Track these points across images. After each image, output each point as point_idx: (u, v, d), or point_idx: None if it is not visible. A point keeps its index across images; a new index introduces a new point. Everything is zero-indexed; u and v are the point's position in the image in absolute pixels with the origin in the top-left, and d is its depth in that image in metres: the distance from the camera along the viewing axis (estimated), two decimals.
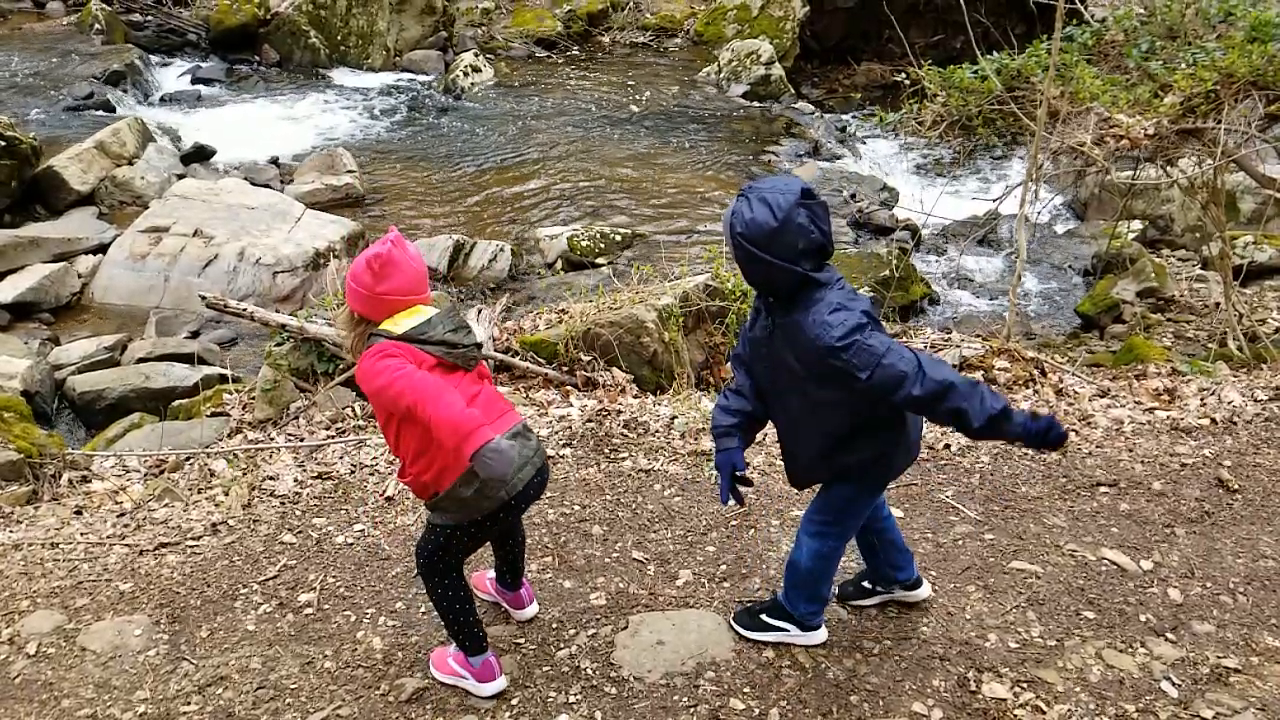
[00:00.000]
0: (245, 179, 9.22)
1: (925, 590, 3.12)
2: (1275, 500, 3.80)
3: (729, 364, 2.82)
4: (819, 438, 2.59)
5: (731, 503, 2.71)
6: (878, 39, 14.96)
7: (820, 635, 2.95)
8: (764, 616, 2.96)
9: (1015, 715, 2.71)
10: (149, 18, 14.24)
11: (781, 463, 4.11)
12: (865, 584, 3.11)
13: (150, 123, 10.26)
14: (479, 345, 2.61)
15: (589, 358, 5.08)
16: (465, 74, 13.16)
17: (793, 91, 13.57)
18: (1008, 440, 2.42)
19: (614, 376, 5.01)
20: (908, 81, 6.22)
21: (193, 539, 3.63)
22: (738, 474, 2.66)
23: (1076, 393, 4.85)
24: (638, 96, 13.02)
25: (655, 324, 5.13)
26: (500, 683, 2.78)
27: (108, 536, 3.69)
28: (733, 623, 3.02)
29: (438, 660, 2.86)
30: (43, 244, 7.65)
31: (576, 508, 3.77)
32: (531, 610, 3.13)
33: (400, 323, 2.49)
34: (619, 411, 4.54)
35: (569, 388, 4.95)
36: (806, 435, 2.62)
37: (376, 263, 2.49)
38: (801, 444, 2.65)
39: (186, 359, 6.20)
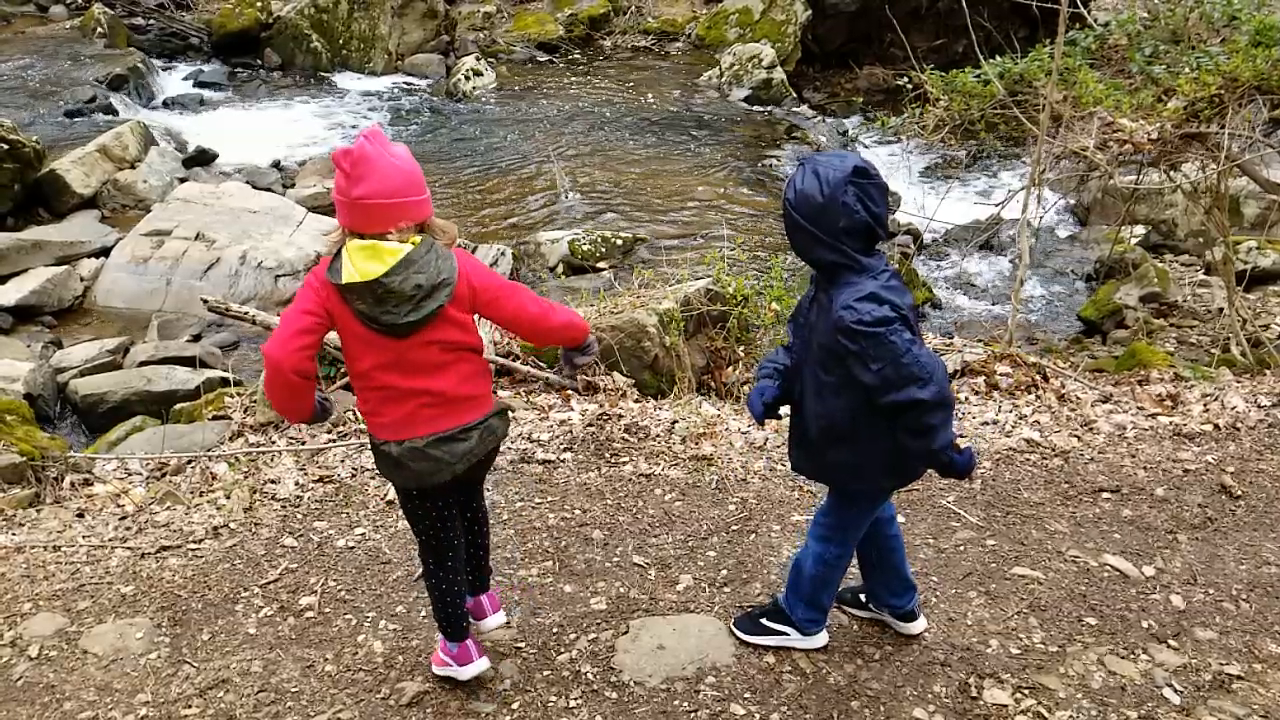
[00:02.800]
0: (247, 182, 9.23)
1: (920, 625, 3.02)
2: (1278, 506, 3.80)
3: (786, 325, 2.80)
4: (816, 421, 2.58)
5: (761, 418, 2.71)
6: (880, 43, 14.96)
7: (820, 640, 2.94)
8: (764, 621, 2.95)
9: None
10: (151, 21, 14.27)
11: (783, 467, 4.12)
12: (861, 596, 3.09)
13: (152, 126, 10.27)
14: (422, 319, 2.28)
15: None
16: (467, 78, 13.18)
17: (794, 95, 13.58)
18: (937, 466, 2.46)
19: (615, 381, 5.01)
20: (910, 85, 6.22)
21: (194, 542, 3.63)
22: (765, 399, 2.65)
23: (1079, 398, 4.85)
24: (639, 100, 13.03)
25: (656, 328, 5.13)
26: (478, 664, 2.73)
27: (109, 539, 3.69)
28: (733, 628, 3.01)
29: (435, 655, 2.85)
30: (45, 247, 7.66)
31: (577, 512, 3.77)
32: (494, 621, 2.92)
33: (358, 267, 2.23)
34: (620, 416, 4.53)
35: (569, 392, 4.94)
36: (809, 415, 2.61)
37: (347, 160, 2.19)
38: (806, 422, 2.64)
39: (188, 362, 6.20)
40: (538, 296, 2.57)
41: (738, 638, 2.98)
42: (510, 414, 2.74)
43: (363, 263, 2.24)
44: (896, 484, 2.73)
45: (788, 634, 2.92)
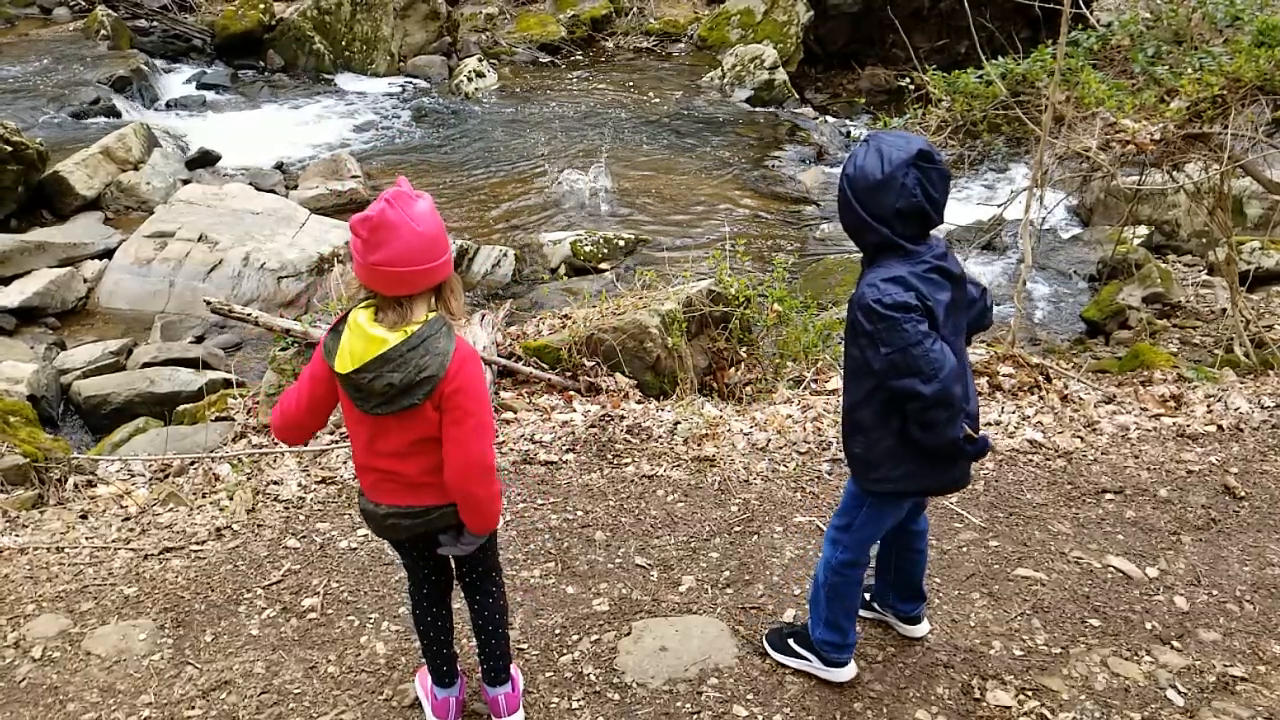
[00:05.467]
0: (250, 184, 9.25)
1: (923, 628, 3.02)
2: None
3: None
4: (846, 401, 2.57)
5: None
6: (882, 44, 14.96)
7: (847, 673, 2.82)
8: (791, 642, 2.90)
9: None
10: (154, 23, 14.30)
11: (785, 468, 4.12)
12: (865, 594, 3.07)
13: (156, 128, 10.30)
14: (393, 411, 2.21)
15: (592, 363, 5.08)
16: (469, 79, 13.19)
17: (796, 96, 13.57)
18: (951, 455, 2.45)
19: (617, 382, 5.01)
20: (912, 86, 6.22)
21: (197, 543, 3.63)
22: None
23: (1082, 399, 4.84)
24: (641, 101, 13.03)
25: (658, 329, 5.13)
26: None
27: (112, 541, 3.69)
28: (763, 642, 2.97)
29: (420, 671, 2.83)
30: (49, 249, 7.68)
31: (579, 513, 3.77)
32: None
33: (348, 348, 2.19)
34: (622, 417, 4.53)
35: (572, 393, 4.94)
36: (843, 398, 2.60)
37: (365, 227, 2.11)
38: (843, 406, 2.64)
39: (191, 364, 6.22)
40: (478, 453, 2.25)
41: (767, 654, 2.93)
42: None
43: (354, 342, 2.19)
44: (910, 491, 2.60)
45: (810, 661, 2.85)
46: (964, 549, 3.52)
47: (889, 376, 2.34)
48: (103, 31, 13.24)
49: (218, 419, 5.11)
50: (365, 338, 2.18)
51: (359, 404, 2.24)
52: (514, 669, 2.78)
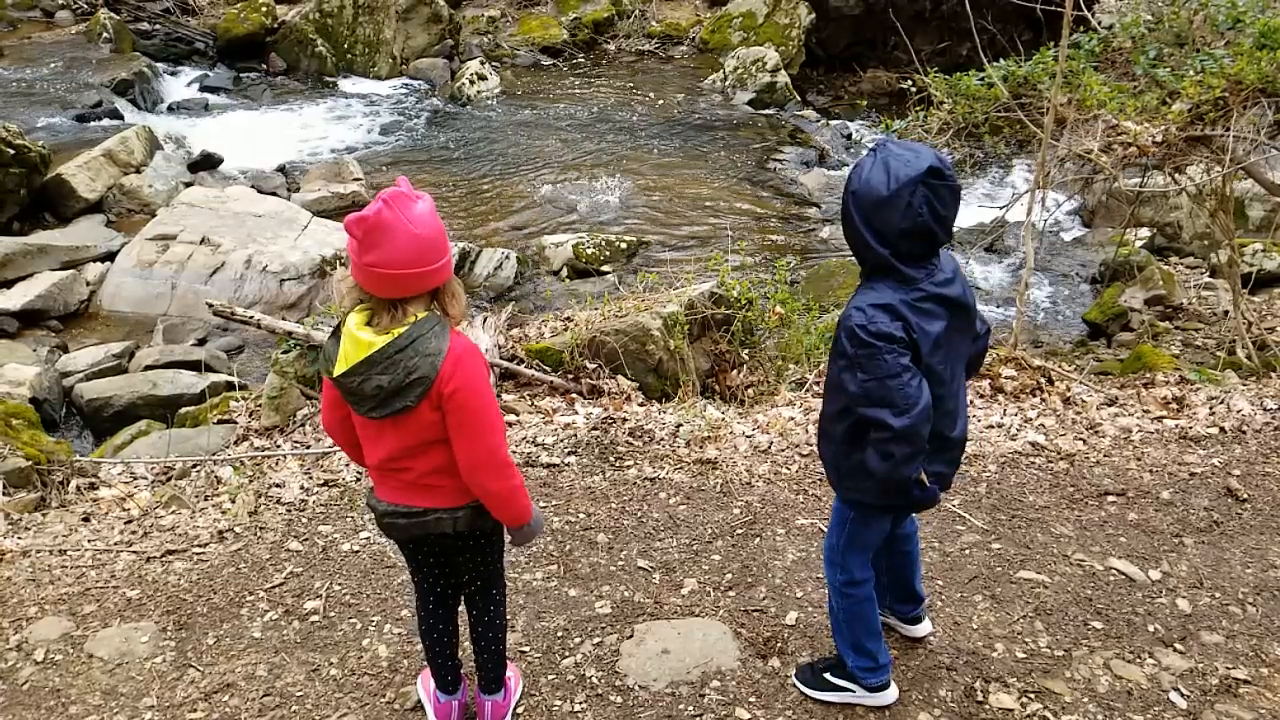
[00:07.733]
0: (252, 187, 9.26)
1: (925, 628, 2.98)
2: None
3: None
4: (822, 409, 2.51)
5: None
6: (883, 46, 14.96)
7: (889, 696, 2.73)
8: (828, 675, 2.77)
9: None
10: (157, 26, 14.32)
11: (787, 471, 4.12)
12: None
13: (158, 131, 10.31)
14: (387, 414, 2.18)
15: (594, 365, 5.08)
16: (471, 82, 13.20)
17: (798, 99, 13.58)
18: (897, 493, 2.38)
19: (619, 384, 5.01)
20: (914, 89, 6.22)
21: (199, 546, 3.63)
22: None
23: (1084, 401, 4.84)
24: (643, 104, 13.04)
25: (660, 332, 5.13)
26: None
27: (115, 543, 3.70)
28: (795, 680, 2.84)
29: (423, 673, 2.83)
30: (51, 252, 7.69)
31: (581, 516, 3.77)
32: None
33: (343, 350, 2.18)
34: (624, 419, 4.53)
35: (574, 395, 4.95)
36: (822, 402, 2.54)
37: (360, 228, 2.05)
38: None
39: (194, 366, 6.22)
40: (488, 449, 2.22)
41: (800, 692, 2.80)
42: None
43: (345, 346, 2.18)
44: (876, 505, 2.53)
45: (853, 691, 2.73)
46: (966, 551, 3.51)
47: (860, 404, 2.27)
48: (105, 34, 13.25)
49: (220, 422, 5.11)
50: (354, 341, 2.16)
51: (355, 407, 2.24)
52: (514, 675, 2.78)
